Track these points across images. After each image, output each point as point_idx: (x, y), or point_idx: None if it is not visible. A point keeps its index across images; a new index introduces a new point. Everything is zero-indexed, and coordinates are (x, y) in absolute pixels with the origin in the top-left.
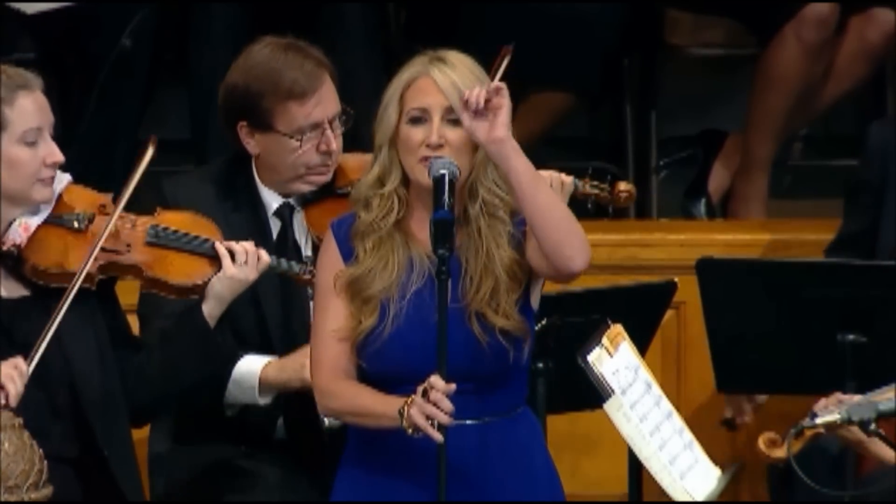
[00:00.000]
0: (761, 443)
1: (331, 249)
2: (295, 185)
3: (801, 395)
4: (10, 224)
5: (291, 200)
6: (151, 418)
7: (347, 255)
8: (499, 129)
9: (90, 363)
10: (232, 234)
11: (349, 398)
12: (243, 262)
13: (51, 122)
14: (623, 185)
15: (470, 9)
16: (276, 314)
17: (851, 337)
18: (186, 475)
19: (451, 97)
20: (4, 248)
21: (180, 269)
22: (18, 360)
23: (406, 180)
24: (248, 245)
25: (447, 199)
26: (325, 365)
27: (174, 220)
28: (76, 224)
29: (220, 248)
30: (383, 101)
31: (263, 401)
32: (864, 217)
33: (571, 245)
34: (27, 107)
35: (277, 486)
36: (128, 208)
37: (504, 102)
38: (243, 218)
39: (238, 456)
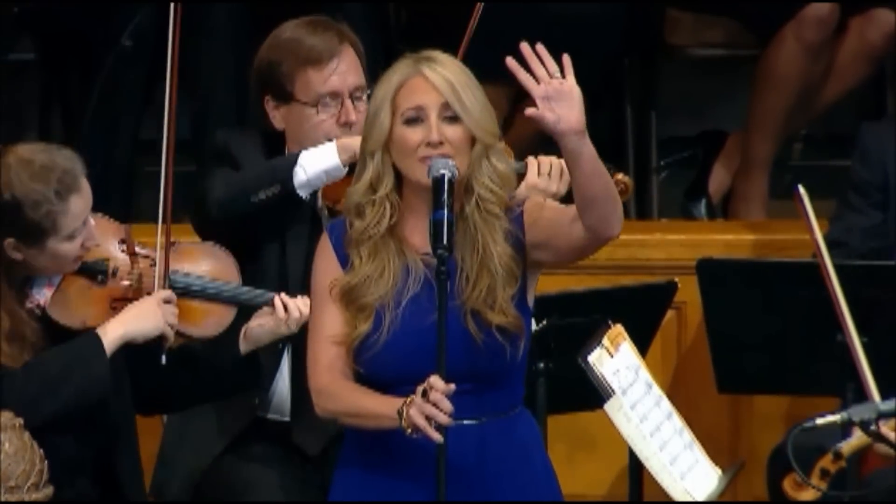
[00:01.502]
0: (787, 486)
1: (327, 253)
2: None
3: (801, 395)
4: (32, 280)
5: None
6: (161, 413)
7: (343, 260)
8: (581, 120)
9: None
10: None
11: (347, 399)
12: (295, 320)
13: (91, 204)
14: (620, 176)
15: (469, 9)
16: (297, 264)
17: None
18: (188, 474)
19: (446, 93)
20: (28, 306)
21: (200, 321)
22: (170, 294)
23: (398, 185)
24: (304, 306)
25: (446, 199)
26: (323, 366)
27: (192, 257)
28: (100, 277)
29: (279, 303)
30: (372, 107)
31: (344, 157)
32: (877, 212)
33: (616, 213)
34: (77, 209)
35: (277, 486)
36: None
37: (574, 85)
38: None
39: (240, 454)
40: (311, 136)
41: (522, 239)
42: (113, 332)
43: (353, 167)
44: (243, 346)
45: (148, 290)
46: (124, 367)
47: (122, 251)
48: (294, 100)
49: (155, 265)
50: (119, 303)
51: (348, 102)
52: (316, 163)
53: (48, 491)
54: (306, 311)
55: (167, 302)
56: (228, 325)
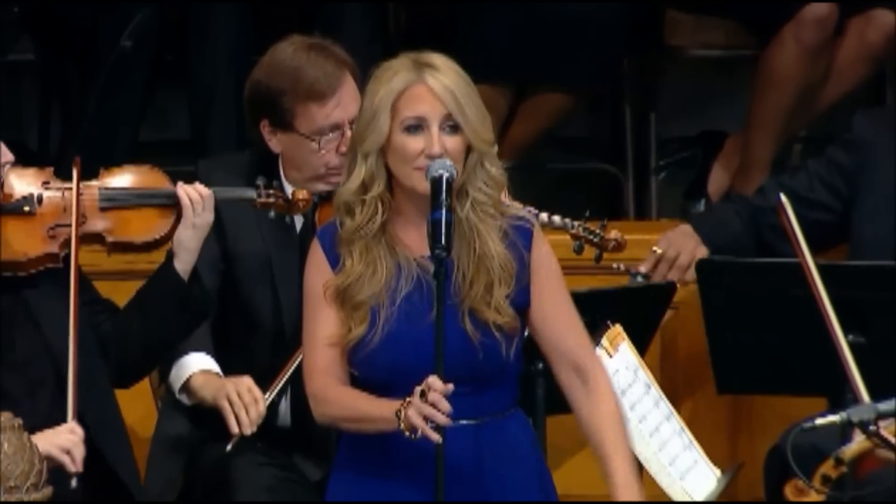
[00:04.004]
0: (788, 492)
1: (317, 256)
2: (316, 185)
3: (800, 396)
4: None
5: (314, 197)
6: (139, 376)
7: (335, 262)
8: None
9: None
10: (259, 226)
11: (345, 404)
12: (201, 209)
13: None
14: (613, 234)
15: (469, 9)
16: (292, 301)
17: (850, 338)
18: (183, 472)
19: (449, 104)
20: None
21: (141, 227)
22: (73, 426)
23: (390, 185)
24: (201, 188)
25: (445, 200)
26: (319, 372)
27: (121, 178)
28: (27, 209)
29: (184, 196)
30: (370, 109)
31: (183, 399)
32: (821, 189)
33: None
34: None
35: (275, 487)
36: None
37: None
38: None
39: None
40: (310, 163)
41: (527, 257)
42: None
43: None
44: (179, 263)
45: (82, 212)
46: (94, 344)
47: (47, 188)
48: (294, 131)
49: (83, 194)
50: (56, 230)
51: (349, 133)
52: (176, 379)
53: (47, 491)
54: (205, 190)
55: (72, 433)
56: (170, 226)
